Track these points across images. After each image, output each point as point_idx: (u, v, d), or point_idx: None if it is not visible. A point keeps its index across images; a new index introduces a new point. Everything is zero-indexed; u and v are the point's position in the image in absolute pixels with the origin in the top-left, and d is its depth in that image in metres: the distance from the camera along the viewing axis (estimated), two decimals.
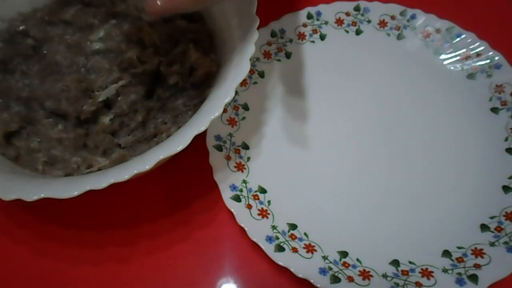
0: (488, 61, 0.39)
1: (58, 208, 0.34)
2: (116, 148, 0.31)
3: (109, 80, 0.31)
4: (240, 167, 0.35)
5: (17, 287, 0.32)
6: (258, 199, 0.34)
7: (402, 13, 0.42)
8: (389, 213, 0.34)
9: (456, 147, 0.36)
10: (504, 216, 0.32)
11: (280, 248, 0.31)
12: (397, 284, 0.30)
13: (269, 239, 0.31)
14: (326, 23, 0.42)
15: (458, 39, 0.40)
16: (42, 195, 0.26)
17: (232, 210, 0.32)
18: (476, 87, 0.39)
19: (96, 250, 0.33)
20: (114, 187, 0.26)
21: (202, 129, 0.27)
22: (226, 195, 0.33)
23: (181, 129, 0.28)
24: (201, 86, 0.33)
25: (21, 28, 0.34)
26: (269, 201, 0.34)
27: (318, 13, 0.42)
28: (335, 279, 0.30)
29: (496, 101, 0.38)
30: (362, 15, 0.43)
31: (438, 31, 0.41)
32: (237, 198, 0.33)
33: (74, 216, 0.34)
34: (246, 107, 0.38)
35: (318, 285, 0.29)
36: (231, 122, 0.37)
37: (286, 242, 0.31)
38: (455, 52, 0.40)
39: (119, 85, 0.31)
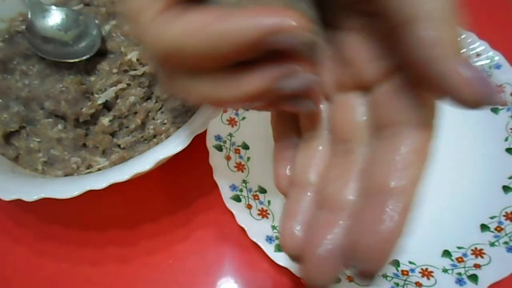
0: (488, 61, 0.39)
1: (58, 208, 0.34)
2: (116, 149, 0.31)
3: (108, 83, 0.31)
4: (240, 167, 0.35)
5: (17, 287, 0.32)
6: (258, 199, 0.34)
7: None
8: None
9: (456, 147, 0.36)
10: (504, 216, 0.32)
11: (280, 248, 0.31)
12: (397, 284, 0.30)
13: (269, 239, 0.31)
14: None
15: None
16: (42, 195, 0.26)
17: (232, 210, 0.32)
18: None
19: (96, 250, 0.33)
20: (114, 187, 0.26)
21: (202, 129, 0.27)
22: (226, 195, 0.33)
23: (181, 129, 0.28)
24: None
25: (21, 28, 0.34)
26: (269, 201, 0.34)
27: None
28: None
29: None
30: None
31: None
32: (237, 198, 0.33)
33: (74, 216, 0.34)
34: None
35: None
36: (231, 122, 0.37)
37: None
38: None
39: (118, 88, 0.31)
